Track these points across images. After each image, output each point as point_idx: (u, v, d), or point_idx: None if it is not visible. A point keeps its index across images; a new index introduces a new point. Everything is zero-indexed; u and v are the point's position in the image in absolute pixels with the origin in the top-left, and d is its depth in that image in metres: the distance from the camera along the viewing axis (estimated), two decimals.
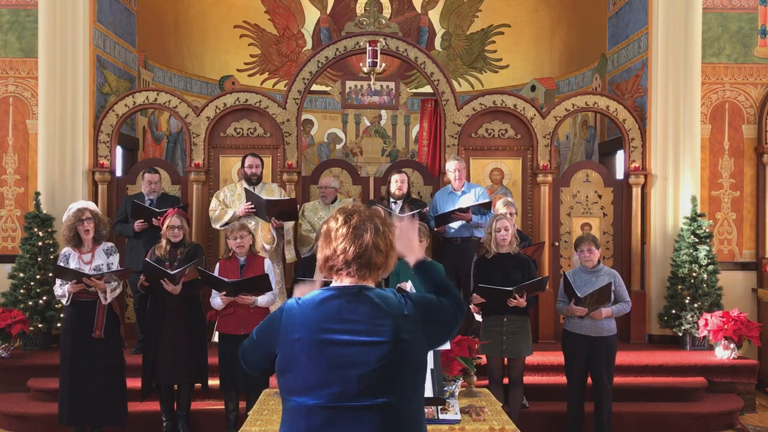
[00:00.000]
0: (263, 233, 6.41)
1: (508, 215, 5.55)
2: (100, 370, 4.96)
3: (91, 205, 5.25)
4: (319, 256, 2.17)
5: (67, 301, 4.98)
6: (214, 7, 10.28)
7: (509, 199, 6.10)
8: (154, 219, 6.10)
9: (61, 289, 4.98)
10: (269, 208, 6.11)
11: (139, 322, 6.48)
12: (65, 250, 5.07)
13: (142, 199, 6.48)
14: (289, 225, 6.52)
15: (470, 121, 7.36)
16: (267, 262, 5.31)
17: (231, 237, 5.22)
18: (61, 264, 4.97)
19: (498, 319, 5.07)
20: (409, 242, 2.32)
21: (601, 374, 5.08)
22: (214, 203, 6.58)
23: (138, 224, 6.31)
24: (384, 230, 2.14)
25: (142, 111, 8.33)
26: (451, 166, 6.52)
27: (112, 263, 5.06)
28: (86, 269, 4.94)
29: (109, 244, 5.15)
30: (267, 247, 6.39)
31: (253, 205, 6.20)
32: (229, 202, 6.51)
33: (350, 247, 2.09)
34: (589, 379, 5.18)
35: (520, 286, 4.93)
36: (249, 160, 6.52)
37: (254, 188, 6.45)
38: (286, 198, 6.54)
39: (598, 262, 5.22)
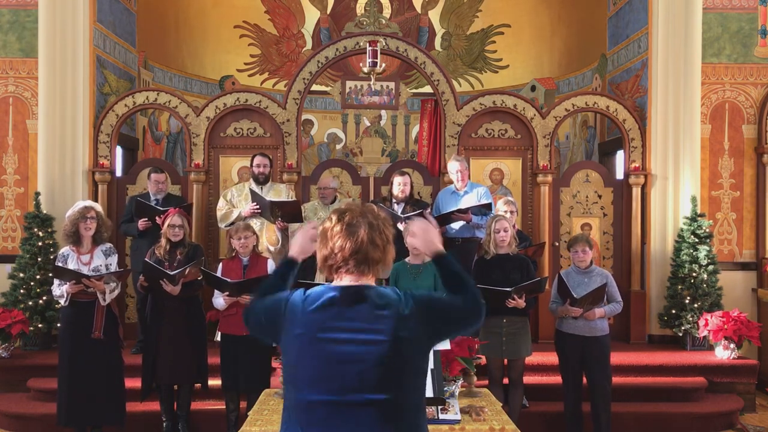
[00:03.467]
0: (268, 234, 6.41)
1: (508, 215, 5.55)
2: (99, 371, 4.96)
3: (98, 206, 5.27)
4: (318, 257, 2.22)
5: (65, 302, 4.97)
6: (214, 7, 10.28)
7: (509, 198, 6.09)
8: (157, 218, 6.08)
9: (60, 290, 4.97)
10: (273, 209, 6.11)
11: (140, 322, 6.47)
12: (64, 249, 5.07)
13: (147, 199, 6.46)
14: (294, 227, 6.51)
15: (470, 121, 7.36)
16: (270, 263, 5.31)
17: (235, 237, 5.20)
18: (60, 264, 4.97)
19: (497, 319, 5.06)
20: (427, 240, 2.31)
21: (597, 374, 5.08)
22: (221, 203, 6.58)
23: (141, 223, 6.29)
24: (378, 225, 2.17)
25: (142, 111, 8.33)
26: (453, 168, 6.49)
27: (110, 264, 5.06)
28: (84, 270, 4.94)
29: (108, 245, 5.15)
30: (271, 248, 6.38)
31: (258, 206, 6.20)
32: (236, 202, 6.51)
33: (346, 244, 2.13)
34: (585, 380, 5.19)
35: (519, 286, 4.92)
36: (257, 160, 6.52)
37: (262, 188, 6.45)
38: (291, 200, 6.53)
39: (591, 262, 5.22)
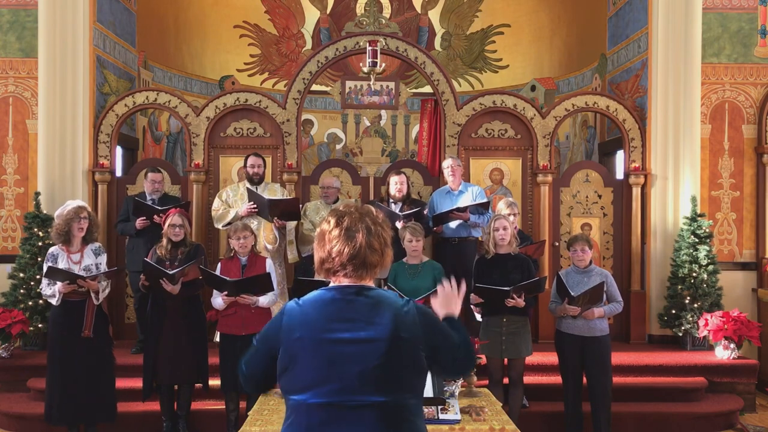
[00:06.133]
0: (266, 233, 6.42)
1: (511, 218, 5.54)
2: (89, 370, 4.96)
3: (88, 207, 5.28)
4: (315, 259, 2.20)
5: (57, 301, 4.96)
6: (214, 7, 10.28)
7: (511, 199, 6.09)
8: (155, 216, 6.09)
9: (50, 289, 4.96)
10: (272, 208, 6.11)
11: (139, 322, 6.48)
12: (53, 249, 5.05)
13: (144, 199, 6.48)
14: (291, 225, 6.52)
15: (470, 121, 7.36)
16: (268, 262, 5.31)
17: (234, 237, 5.21)
18: (50, 263, 4.96)
19: (497, 319, 5.06)
20: (450, 306, 2.34)
21: (597, 374, 5.08)
22: (216, 203, 6.58)
23: (139, 222, 6.30)
24: (376, 229, 2.15)
25: (142, 111, 8.33)
26: (446, 164, 6.54)
27: (100, 263, 5.07)
28: (75, 269, 4.94)
29: (97, 245, 5.16)
30: (269, 247, 6.39)
31: (255, 205, 6.20)
32: (231, 202, 6.51)
33: (344, 249, 2.10)
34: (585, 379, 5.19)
35: (518, 286, 4.92)
36: (251, 160, 6.53)
37: (257, 188, 6.45)
38: (289, 198, 6.53)
39: (590, 262, 5.22)
